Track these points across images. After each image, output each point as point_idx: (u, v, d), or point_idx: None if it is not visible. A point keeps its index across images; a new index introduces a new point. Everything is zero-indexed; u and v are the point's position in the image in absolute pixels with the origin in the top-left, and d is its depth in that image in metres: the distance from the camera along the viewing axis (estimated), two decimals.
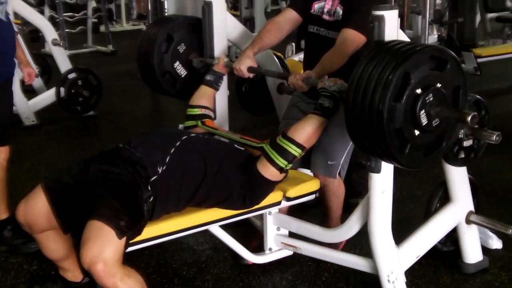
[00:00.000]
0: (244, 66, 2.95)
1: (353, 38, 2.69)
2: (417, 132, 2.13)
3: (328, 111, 2.50)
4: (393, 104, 2.03)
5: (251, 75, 3.02)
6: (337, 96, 2.49)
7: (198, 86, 3.08)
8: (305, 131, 2.50)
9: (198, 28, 3.28)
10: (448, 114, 2.14)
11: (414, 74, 2.05)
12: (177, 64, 3.30)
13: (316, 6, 2.92)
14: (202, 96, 3.02)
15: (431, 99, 2.10)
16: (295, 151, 2.49)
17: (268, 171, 2.52)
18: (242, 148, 2.67)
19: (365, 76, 2.08)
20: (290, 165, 2.54)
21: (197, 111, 2.95)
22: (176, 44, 3.27)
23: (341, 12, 2.82)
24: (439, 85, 2.12)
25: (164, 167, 2.39)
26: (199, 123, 2.90)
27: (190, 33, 3.32)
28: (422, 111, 2.09)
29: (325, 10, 2.88)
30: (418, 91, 2.07)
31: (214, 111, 3.07)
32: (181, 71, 3.32)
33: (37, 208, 2.37)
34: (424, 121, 2.10)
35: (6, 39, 3.10)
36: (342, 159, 2.88)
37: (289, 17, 3.01)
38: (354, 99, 2.10)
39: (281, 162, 2.50)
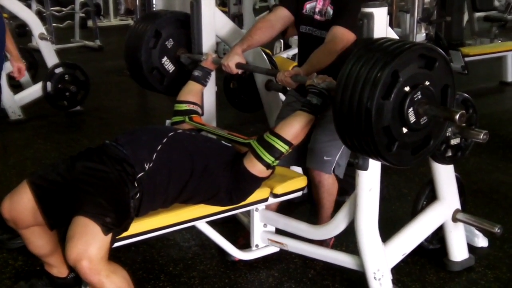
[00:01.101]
0: (232, 62, 2.94)
1: (342, 36, 2.69)
2: (405, 130, 2.13)
3: (316, 108, 2.50)
4: (381, 102, 2.03)
5: (239, 72, 3.02)
6: (325, 93, 2.48)
7: (186, 82, 3.06)
8: (293, 128, 2.50)
9: (187, 24, 3.26)
10: (436, 112, 2.14)
11: (403, 72, 2.04)
12: (164, 60, 3.28)
13: (308, 6, 2.91)
14: (190, 92, 3.01)
15: (419, 97, 2.10)
16: (283, 147, 2.48)
17: (255, 168, 2.51)
18: (230, 145, 2.66)
19: (354, 74, 2.07)
20: (277, 161, 2.54)
21: (185, 107, 2.94)
22: (164, 40, 3.25)
23: (331, 12, 2.81)
24: (427, 83, 2.12)
25: (151, 164, 2.38)
26: (186, 119, 2.89)
27: (178, 29, 3.31)
28: (410, 109, 2.09)
29: (317, 10, 2.88)
30: (407, 89, 2.07)
31: (201, 107, 3.06)
32: (169, 66, 3.30)
33: (22, 204, 2.35)
34: (412, 119, 2.10)
35: None
36: (338, 156, 2.87)
37: (281, 16, 3.00)
38: (343, 97, 2.10)
39: (268, 158, 2.49)
